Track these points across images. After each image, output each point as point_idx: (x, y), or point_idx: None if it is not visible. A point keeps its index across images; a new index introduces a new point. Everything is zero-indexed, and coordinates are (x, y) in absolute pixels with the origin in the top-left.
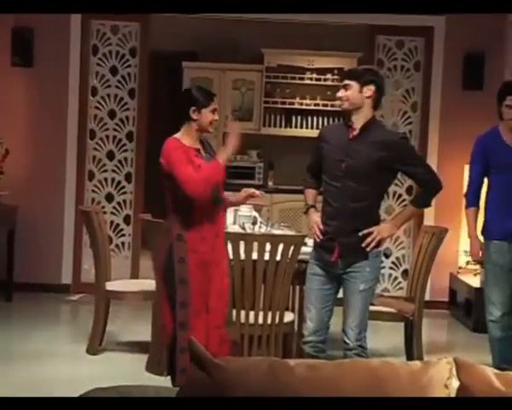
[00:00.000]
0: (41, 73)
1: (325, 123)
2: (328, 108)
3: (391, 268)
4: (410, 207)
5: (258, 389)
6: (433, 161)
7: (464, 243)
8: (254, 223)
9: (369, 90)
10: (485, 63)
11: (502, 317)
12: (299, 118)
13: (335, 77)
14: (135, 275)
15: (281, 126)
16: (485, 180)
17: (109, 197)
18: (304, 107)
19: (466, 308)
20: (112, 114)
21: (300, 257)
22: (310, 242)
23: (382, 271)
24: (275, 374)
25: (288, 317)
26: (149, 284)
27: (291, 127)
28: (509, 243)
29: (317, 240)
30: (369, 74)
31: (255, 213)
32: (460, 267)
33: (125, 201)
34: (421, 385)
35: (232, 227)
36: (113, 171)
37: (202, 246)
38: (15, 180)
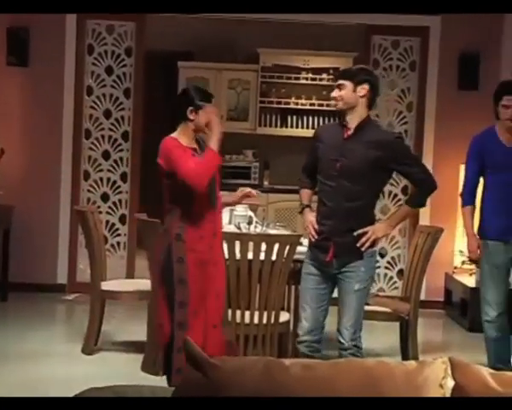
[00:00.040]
0: (36, 73)
1: (321, 123)
2: (324, 108)
3: (386, 268)
4: (405, 206)
5: (254, 388)
6: (428, 161)
7: (459, 243)
8: (250, 223)
9: (363, 89)
10: (480, 63)
11: (497, 317)
12: (294, 118)
13: (331, 77)
14: (130, 275)
15: (276, 126)
16: (481, 180)
17: (105, 197)
18: (299, 107)
19: (461, 308)
20: (107, 114)
21: (296, 257)
22: (305, 241)
23: (378, 270)
24: (270, 374)
25: (284, 317)
26: (145, 284)
27: (287, 127)
28: (504, 243)
29: (312, 240)
30: (363, 74)
31: (251, 213)
32: (455, 267)
33: (120, 200)
34: (416, 385)
35: (228, 227)
36: (109, 170)
37: (200, 245)
38: (11, 180)
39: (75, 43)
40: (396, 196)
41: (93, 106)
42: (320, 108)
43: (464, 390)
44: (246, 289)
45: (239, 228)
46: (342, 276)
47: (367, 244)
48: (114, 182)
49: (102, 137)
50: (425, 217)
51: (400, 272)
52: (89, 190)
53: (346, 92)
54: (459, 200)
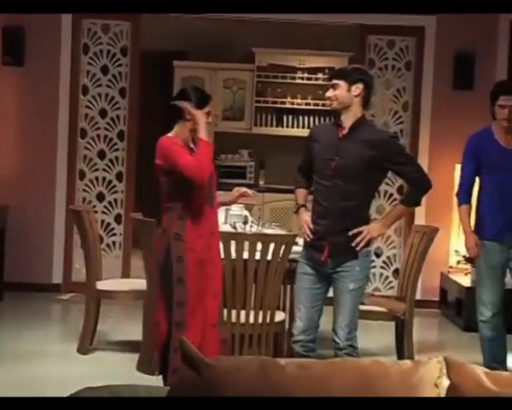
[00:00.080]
0: (32, 72)
1: (316, 122)
2: (320, 108)
3: (382, 267)
4: (399, 206)
5: (249, 388)
6: (424, 161)
7: (455, 243)
8: (245, 222)
9: (358, 88)
10: (475, 63)
11: (492, 317)
12: (290, 117)
13: (327, 76)
14: (126, 274)
15: (272, 126)
16: (477, 180)
17: (100, 197)
18: (295, 106)
19: (457, 307)
20: (103, 113)
21: (291, 256)
22: (301, 241)
23: (373, 270)
24: (265, 373)
25: (279, 316)
26: (140, 284)
27: (282, 127)
28: (500, 243)
29: (307, 239)
30: (357, 73)
31: (246, 213)
32: (451, 267)
33: (116, 200)
34: (411, 384)
35: (223, 226)
36: (104, 170)
37: (199, 244)
38: (6, 179)
39: (70, 42)
40: (391, 195)
41: (88, 105)
42: (316, 107)
43: (459, 390)
44: (241, 288)
45: (234, 227)
46: (337, 276)
47: (362, 244)
48: (110, 181)
49: (98, 136)
50: (420, 216)
51: (396, 271)
52: (84, 190)
53: (341, 92)
54: (455, 199)
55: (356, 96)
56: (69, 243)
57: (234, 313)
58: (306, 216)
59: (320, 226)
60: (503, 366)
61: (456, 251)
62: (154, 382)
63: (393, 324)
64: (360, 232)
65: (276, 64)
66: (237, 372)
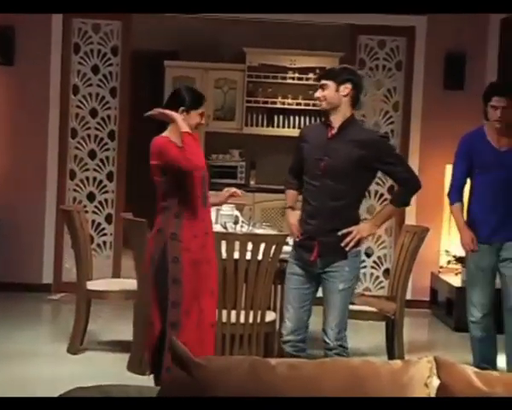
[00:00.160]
0: (22, 72)
1: (307, 122)
2: (310, 108)
3: (372, 267)
4: (389, 206)
5: (240, 388)
6: (414, 161)
7: (445, 243)
8: (236, 222)
9: (346, 88)
10: (466, 63)
11: (482, 318)
12: (281, 117)
13: (317, 76)
14: (116, 274)
15: (263, 126)
16: (468, 181)
17: (91, 196)
18: (286, 106)
19: (447, 307)
20: (93, 113)
21: (282, 256)
22: (291, 241)
23: (364, 270)
24: (256, 373)
25: (270, 316)
26: (131, 284)
27: (273, 127)
28: (490, 244)
29: (296, 240)
30: (346, 73)
31: (237, 213)
32: (441, 267)
33: (106, 200)
34: (401, 384)
35: (214, 226)
36: (95, 170)
37: (194, 244)
38: None
39: (61, 41)
40: (382, 195)
41: (79, 105)
42: (306, 107)
43: (449, 390)
44: (232, 288)
45: (225, 227)
46: (326, 276)
47: (351, 244)
48: (100, 181)
49: (88, 136)
50: (411, 216)
51: (386, 271)
52: (75, 190)
53: (329, 92)
54: (445, 199)
55: (344, 96)
56: (60, 243)
57: (224, 312)
58: (293, 219)
59: (309, 226)
60: (493, 366)
61: (447, 251)
62: (145, 382)
63: (384, 324)
64: (350, 232)
65: (266, 64)
66: (228, 372)
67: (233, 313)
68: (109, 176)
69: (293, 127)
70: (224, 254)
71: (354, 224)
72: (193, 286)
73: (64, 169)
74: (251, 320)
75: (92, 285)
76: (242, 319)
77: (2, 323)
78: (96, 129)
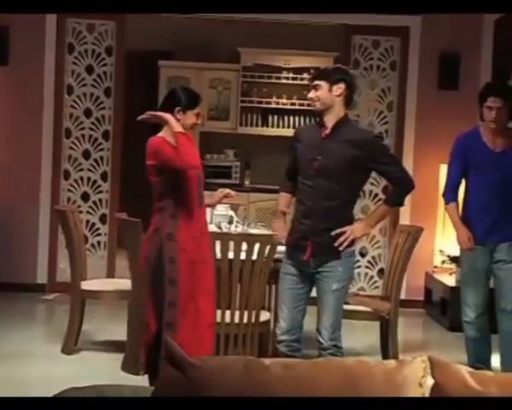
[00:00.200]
0: (16, 72)
1: (301, 122)
2: (305, 108)
3: (367, 267)
4: (383, 206)
5: (234, 388)
6: (408, 161)
7: (440, 243)
8: (230, 222)
9: (339, 88)
10: (460, 63)
11: (476, 318)
12: (275, 117)
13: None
14: (111, 274)
15: (257, 126)
16: (463, 182)
17: (85, 196)
18: (280, 106)
19: (441, 307)
20: (88, 113)
21: (276, 256)
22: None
23: (358, 270)
24: (250, 373)
25: (264, 316)
26: (125, 284)
27: (267, 126)
28: (484, 246)
29: (282, 241)
30: (338, 73)
31: (231, 213)
32: (435, 266)
33: (100, 200)
34: (395, 384)
35: (208, 226)
36: (89, 170)
37: (190, 244)
38: None
39: (55, 41)
40: (377, 195)
41: (73, 105)
42: (301, 107)
43: (443, 389)
44: (226, 288)
45: (220, 227)
46: (320, 276)
47: (345, 244)
48: (95, 181)
49: (83, 136)
50: (405, 216)
51: (381, 271)
52: (69, 190)
53: (323, 92)
54: (439, 199)
55: (338, 95)
56: (54, 243)
57: (219, 312)
58: (277, 227)
59: (303, 226)
60: (488, 366)
61: (441, 251)
62: (139, 382)
63: (378, 323)
64: (343, 232)
65: (261, 64)
66: (222, 372)
67: (227, 313)
68: (103, 176)
69: (288, 127)
70: (219, 255)
71: (348, 224)
72: (189, 286)
73: (58, 169)
74: (245, 320)
75: (86, 285)
76: (237, 319)
77: None
78: (91, 129)
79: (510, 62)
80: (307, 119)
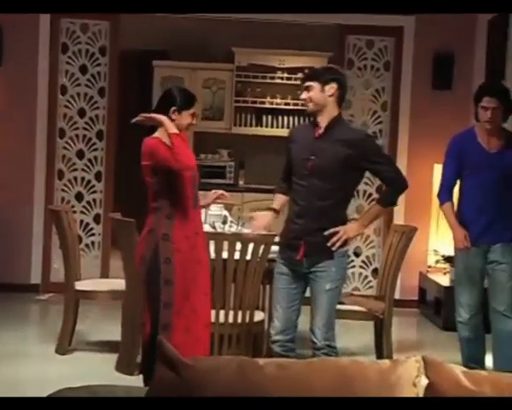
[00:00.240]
0: (10, 72)
1: (296, 122)
2: (299, 108)
3: (361, 267)
4: (376, 206)
5: (228, 388)
6: (402, 160)
7: (434, 242)
8: (224, 222)
9: (332, 88)
10: (454, 63)
11: (470, 319)
12: (269, 117)
13: None
14: (105, 274)
15: (251, 126)
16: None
17: (79, 196)
18: (274, 106)
19: (435, 307)
20: (81, 113)
21: (270, 256)
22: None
23: (353, 269)
24: (244, 373)
25: (258, 316)
26: (119, 284)
27: (262, 126)
28: (478, 246)
29: (284, 239)
30: (330, 73)
31: (225, 213)
32: (429, 266)
33: (94, 200)
34: (389, 384)
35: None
36: (83, 170)
37: (185, 245)
38: None
39: (49, 41)
40: (371, 195)
41: (67, 105)
42: (295, 107)
43: (437, 389)
44: (220, 288)
45: (214, 227)
46: (313, 276)
47: (338, 244)
48: (89, 181)
49: (77, 136)
50: (399, 216)
51: (375, 271)
52: (63, 190)
53: (315, 93)
54: (434, 199)
55: (330, 95)
56: (48, 243)
57: (213, 312)
58: (260, 216)
59: (297, 226)
60: (482, 366)
61: (435, 250)
62: (134, 382)
63: (372, 323)
64: (336, 232)
65: (255, 64)
66: (216, 372)
67: (221, 312)
68: (97, 176)
69: (282, 127)
70: (213, 254)
71: (341, 224)
72: (184, 287)
73: (52, 169)
74: (239, 320)
75: (80, 285)
76: (231, 319)
77: None
78: (85, 129)
79: (504, 62)
80: (301, 119)
